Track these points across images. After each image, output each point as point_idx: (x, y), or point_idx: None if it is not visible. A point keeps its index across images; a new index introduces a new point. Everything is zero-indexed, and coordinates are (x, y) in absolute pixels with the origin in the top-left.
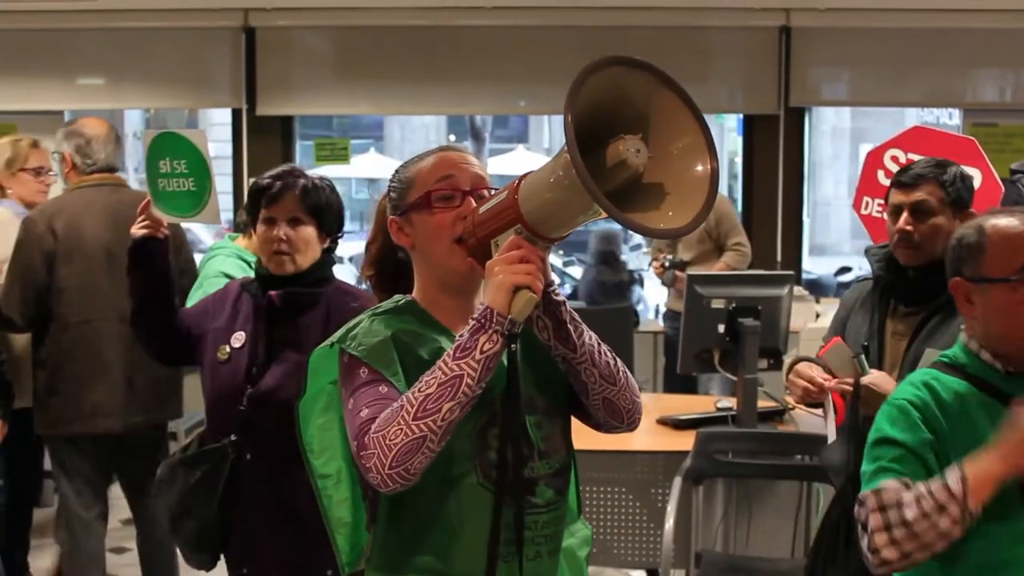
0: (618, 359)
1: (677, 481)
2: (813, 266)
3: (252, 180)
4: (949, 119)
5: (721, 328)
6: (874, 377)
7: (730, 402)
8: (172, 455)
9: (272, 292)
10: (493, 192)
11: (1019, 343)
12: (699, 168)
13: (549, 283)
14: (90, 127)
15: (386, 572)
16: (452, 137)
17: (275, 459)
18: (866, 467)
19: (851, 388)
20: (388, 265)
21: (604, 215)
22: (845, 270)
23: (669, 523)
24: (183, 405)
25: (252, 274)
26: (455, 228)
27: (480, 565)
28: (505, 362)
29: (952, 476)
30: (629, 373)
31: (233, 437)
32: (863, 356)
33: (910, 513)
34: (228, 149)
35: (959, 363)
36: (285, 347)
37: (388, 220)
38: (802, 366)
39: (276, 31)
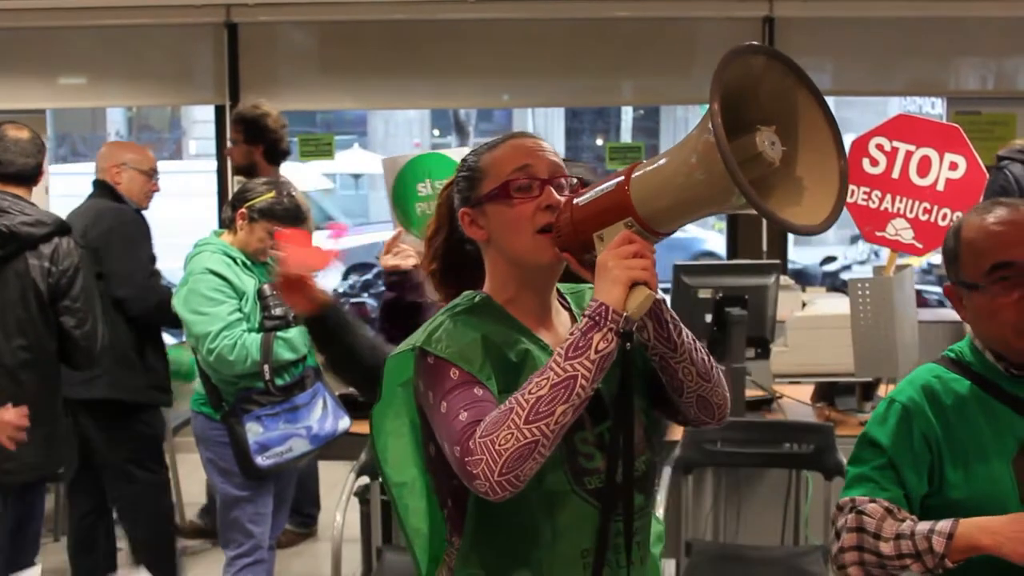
0: (710, 354)
1: (667, 471)
2: (799, 256)
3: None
4: (932, 108)
5: (708, 318)
6: None
7: None
8: None
9: None
10: (575, 181)
11: (1008, 345)
12: (829, 166)
13: (656, 288)
14: None
15: None
16: (436, 132)
17: None
18: (850, 466)
19: None
20: (453, 259)
21: (733, 207)
22: (830, 259)
23: (659, 512)
24: None
25: (237, 270)
26: (536, 219)
27: (575, 575)
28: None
29: (940, 530)
30: (719, 368)
31: None
32: None
33: (886, 548)
34: (210, 146)
35: (964, 360)
36: None
37: (459, 212)
38: None
39: (258, 27)
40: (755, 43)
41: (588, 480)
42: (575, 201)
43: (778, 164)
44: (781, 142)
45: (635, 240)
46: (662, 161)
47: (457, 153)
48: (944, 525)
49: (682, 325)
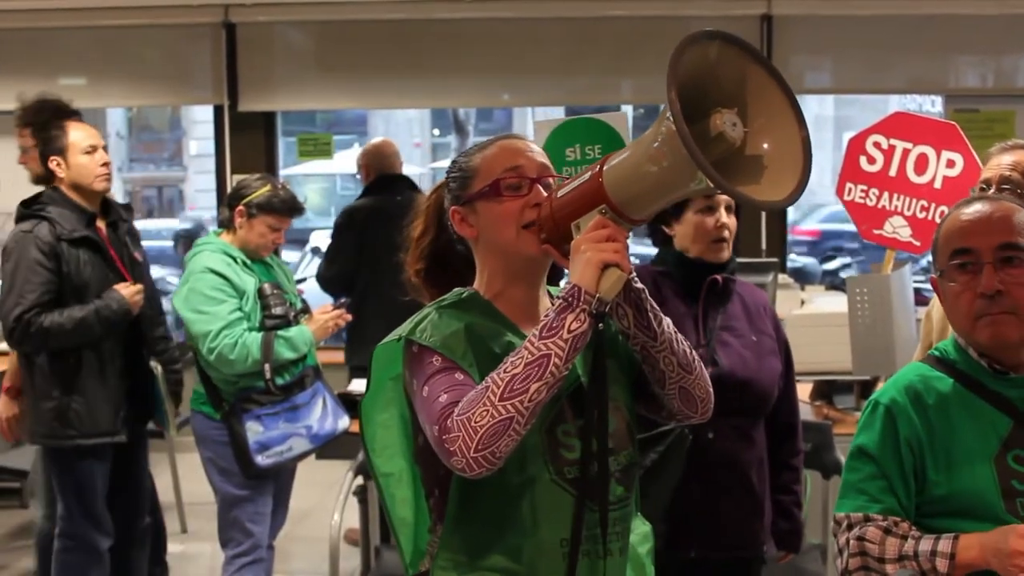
0: (692, 348)
1: None
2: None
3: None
4: (932, 106)
5: None
6: None
7: None
8: None
9: (718, 276)
10: (563, 179)
11: (971, 339)
12: (792, 141)
13: (629, 270)
14: None
15: (455, 572)
16: (436, 131)
17: (735, 437)
18: (844, 473)
19: None
20: (439, 260)
21: (700, 189)
22: (830, 258)
23: None
24: None
25: (237, 269)
26: (524, 215)
27: (554, 563)
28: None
29: (942, 552)
30: (702, 362)
31: None
32: None
33: (891, 570)
34: (211, 146)
35: (948, 359)
36: (720, 331)
37: (450, 211)
38: None
39: (257, 27)
40: (709, 29)
41: (568, 470)
42: (555, 193)
43: (740, 144)
44: (744, 123)
45: (608, 225)
46: (631, 150)
47: (612, 117)
48: (945, 545)
49: (663, 315)
